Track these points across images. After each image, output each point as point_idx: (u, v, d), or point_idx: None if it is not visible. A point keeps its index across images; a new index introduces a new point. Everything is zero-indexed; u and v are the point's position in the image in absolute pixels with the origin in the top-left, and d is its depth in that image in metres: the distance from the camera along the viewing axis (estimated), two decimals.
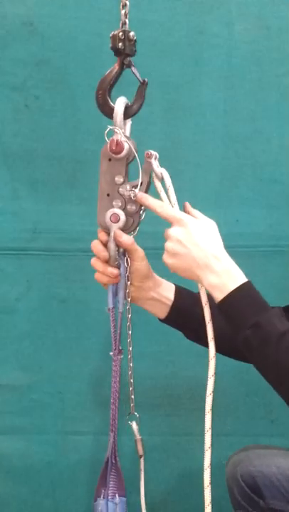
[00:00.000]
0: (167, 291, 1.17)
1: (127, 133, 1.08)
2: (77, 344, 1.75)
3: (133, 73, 1.06)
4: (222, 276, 1.01)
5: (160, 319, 1.19)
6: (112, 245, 1.07)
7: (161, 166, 1.69)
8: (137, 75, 1.05)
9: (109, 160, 1.06)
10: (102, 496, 1.15)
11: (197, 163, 1.70)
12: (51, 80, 1.63)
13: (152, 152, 1.06)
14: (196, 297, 1.10)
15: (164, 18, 1.62)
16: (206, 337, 1.09)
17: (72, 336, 1.75)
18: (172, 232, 1.02)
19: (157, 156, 1.07)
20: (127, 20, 1.04)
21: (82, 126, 1.65)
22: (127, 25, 1.04)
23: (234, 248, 1.69)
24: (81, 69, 1.62)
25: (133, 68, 1.06)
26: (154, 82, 1.64)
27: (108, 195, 1.06)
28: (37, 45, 1.60)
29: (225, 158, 1.70)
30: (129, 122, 1.09)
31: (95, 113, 1.60)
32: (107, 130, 1.05)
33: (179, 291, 1.17)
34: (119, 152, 1.04)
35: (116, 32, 1.02)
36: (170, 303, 1.16)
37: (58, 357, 1.76)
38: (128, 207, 1.06)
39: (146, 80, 1.05)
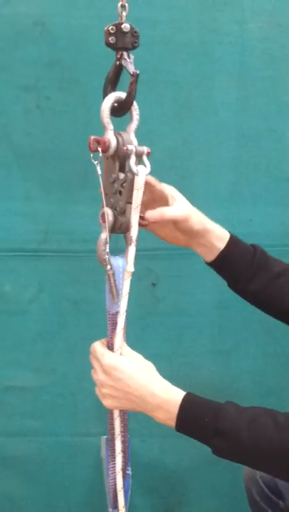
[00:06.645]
0: (218, 239, 1.15)
1: (132, 129, 1.06)
2: (89, 345, 1.73)
3: (124, 66, 1.02)
4: (162, 406, 1.00)
5: (206, 262, 1.18)
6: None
7: (173, 165, 1.69)
8: (128, 66, 1.02)
9: (107, 158, 1.05)
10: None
11: (209, 163, 1.69)
12: (63, 81, 1.62)
13: (133, 147, 1.01)
14: (248, 250, 1.16)
15: (175, 16, 1.60)
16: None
17: (84, 337, 1.72)
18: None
19: (145, 151, 1.02)
20: (124, 14, 1.02)
21: (94, 126, 1.62)
22: (123, 19, 1.02)
23: None
24: (93, 69, 1.60)
25: (124, 61, 1.02)
26: (165, 81, 1.65)
27: (106, 194, 1.05)
28: (48, 46, 1.59)
29: (237, 157, 1.69)
30: (135, 119, 1.06)
31: None
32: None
33: (231, 242, 1.16)
34: (103, 150, 1.01)
35: (106, 27, 1.01)
36: (218, 252, 1.15)
37: (71, 358, 1.75)
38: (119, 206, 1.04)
39: (136, 71, 0.99)
